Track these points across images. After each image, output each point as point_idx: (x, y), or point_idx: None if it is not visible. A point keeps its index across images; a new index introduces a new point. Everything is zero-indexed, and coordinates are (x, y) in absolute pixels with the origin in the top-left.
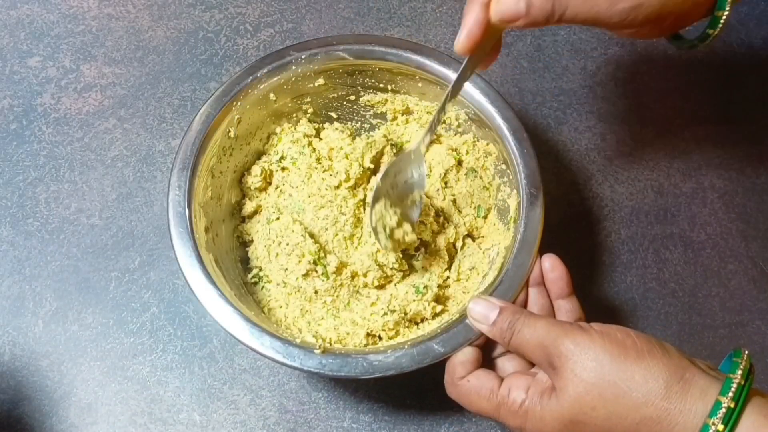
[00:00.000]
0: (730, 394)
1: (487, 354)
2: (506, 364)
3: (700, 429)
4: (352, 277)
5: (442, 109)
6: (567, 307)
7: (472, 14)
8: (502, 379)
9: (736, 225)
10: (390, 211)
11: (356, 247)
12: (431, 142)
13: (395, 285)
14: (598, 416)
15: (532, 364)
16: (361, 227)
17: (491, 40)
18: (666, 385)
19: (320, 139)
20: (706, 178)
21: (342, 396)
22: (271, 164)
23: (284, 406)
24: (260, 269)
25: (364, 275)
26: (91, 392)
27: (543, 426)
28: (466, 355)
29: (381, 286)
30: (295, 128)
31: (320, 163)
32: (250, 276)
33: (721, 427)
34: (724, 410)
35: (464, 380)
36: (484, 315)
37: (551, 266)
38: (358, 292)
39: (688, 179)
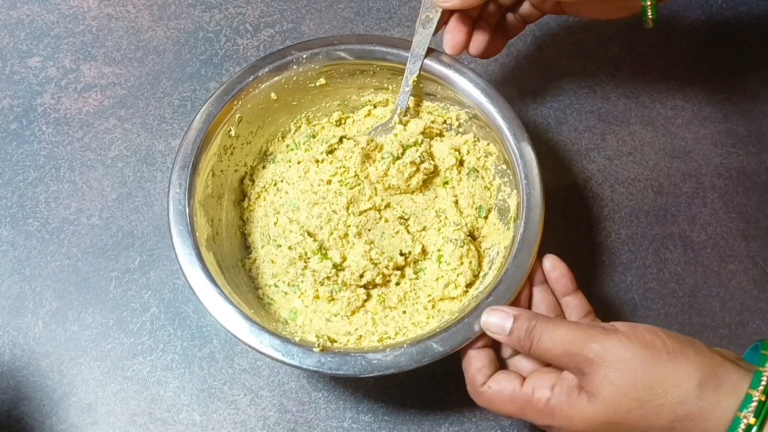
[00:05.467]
0: (761, 387)
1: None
2: (522, 362)
3: (732, 422)
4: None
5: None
6: (574, 303)
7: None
8: (523, 378)
9: (736, 225)
10: None
11: (352, 246)
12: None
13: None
14: (633, 418)
15: None
16: (353, 226)
17: None
18: (700, 384)
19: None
20: (706, 178)
21: (342, 396)
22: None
23: (284, 406)
24: (259, 268)
25: (361, 275)
26: (91, 392)
27: (572, 425)
28: (481, 360)
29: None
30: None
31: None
32: (249, 270)
33: (753, 420)
34: (755, 404)
35: (485, 386)
36: (499, 325)
37: (552, 266)
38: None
39: (688, 179)
